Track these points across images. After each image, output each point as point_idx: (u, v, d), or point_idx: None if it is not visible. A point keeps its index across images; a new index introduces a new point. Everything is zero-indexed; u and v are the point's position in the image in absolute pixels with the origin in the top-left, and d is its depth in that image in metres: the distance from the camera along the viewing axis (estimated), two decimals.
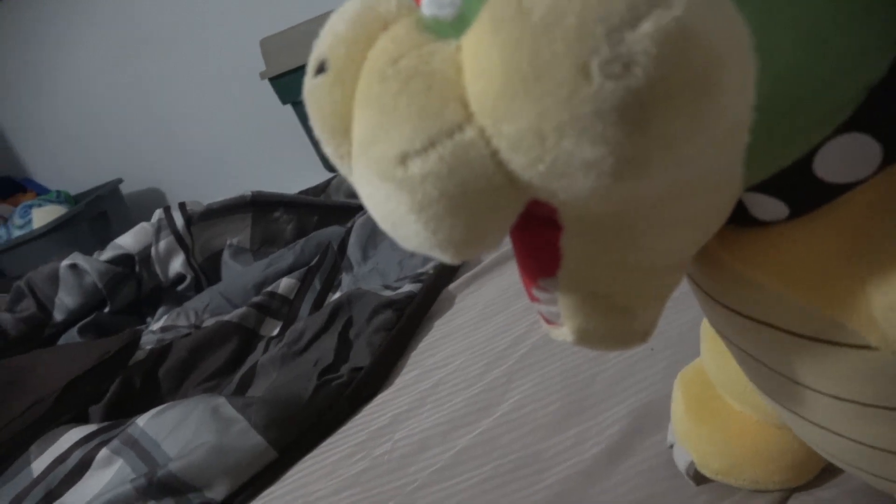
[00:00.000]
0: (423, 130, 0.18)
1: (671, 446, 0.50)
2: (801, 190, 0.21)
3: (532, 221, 0.21)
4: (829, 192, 0.20)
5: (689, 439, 0.45)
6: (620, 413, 0.57)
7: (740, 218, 0.23)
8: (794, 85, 0.18)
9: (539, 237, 0.22)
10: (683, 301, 0.65)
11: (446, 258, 0.21)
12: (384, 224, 0.22)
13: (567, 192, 0.17)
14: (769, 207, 0.22)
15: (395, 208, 0.20)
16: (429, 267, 0.97)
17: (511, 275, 0.92)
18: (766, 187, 0.21)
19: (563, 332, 0.25)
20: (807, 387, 0.25)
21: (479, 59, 0.17)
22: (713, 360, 0.42)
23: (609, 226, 0.20)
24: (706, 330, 0.44)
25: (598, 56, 0.14)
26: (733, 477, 0.44)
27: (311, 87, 0.22)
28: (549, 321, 0.26)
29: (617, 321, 0.24)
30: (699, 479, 0.46)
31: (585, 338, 0.25)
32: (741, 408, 0.42)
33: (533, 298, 0.26)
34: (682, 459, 0.47)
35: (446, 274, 0.96)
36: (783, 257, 0.22)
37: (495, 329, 0.79)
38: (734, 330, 0.27)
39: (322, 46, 0.22)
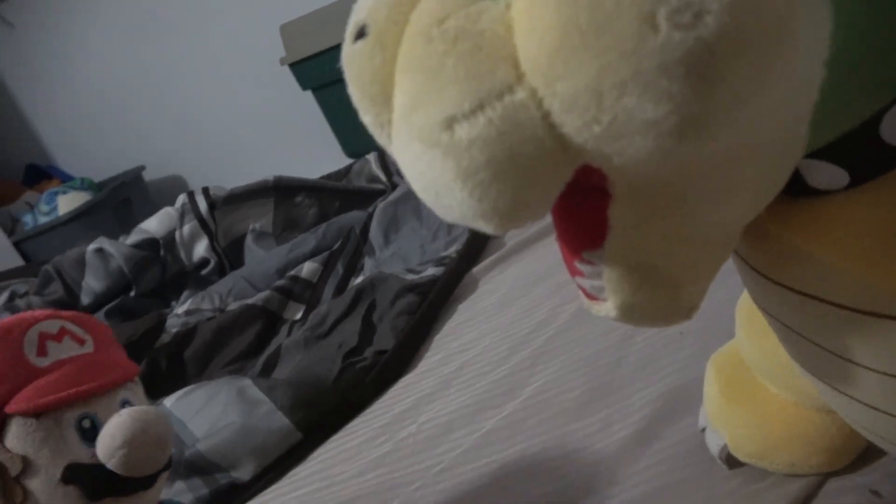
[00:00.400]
0: (471, 93, 0.17)
1: (703, 430, 0.49)
2: (865, 156, 0.20)
3: (579, 190, 0.20)
4: (895, 159, 0.19)
5: (723, 422, 0.45)
6: (648, 397, 0.56)
7: (794, 188, 0.22)
8: (866, 41, 0.17)
9: (585, 207, 0.21)
10: (714, 283, 0.64)
11: (490, 228, 0.21)
12: (426, 194, 0.21)
13: (622, 155, 0.17)
14: (828, 175, 0.21)
15: (438, 176, 0.19)
16: (451, 251, 0.97)
17: (535, 258, 0.91)
18: (826, 153, 0.20)
19: (606, 308, 0.25)
20: (858, 364, 0.25)
21: (532, 15, 0.16)
22: (750, 342, 0.41)
23: (662, 193, 0.19)
24: (742, 311, 0.43)
25: (665, 5, 0.13)
26: (768, 460, 0.43)
27: (351, 54, 0.22)
28: (590, 296, 0.26)
29: (663, 296, 0.23)
30: (732, 462, 0.45)
31: (629, 313, 0.24)
32: (778, 390, 0.41)
33: (574, 272, 0.25)
34: (714, 443, 0.46)
35: (469, 257, 0.95)
36: (840, 229, 0.21)
37: (519, 312, 0.78)
38: (783, 306, 0.26)
39: (361, 11, 0.21)
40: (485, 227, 0.21)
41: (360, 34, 0.21)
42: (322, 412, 0.71)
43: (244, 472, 0.67)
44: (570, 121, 0.16)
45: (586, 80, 0.15)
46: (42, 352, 0.39)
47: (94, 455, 0.37)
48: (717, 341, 0.57)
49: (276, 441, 0.69)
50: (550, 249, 0.91)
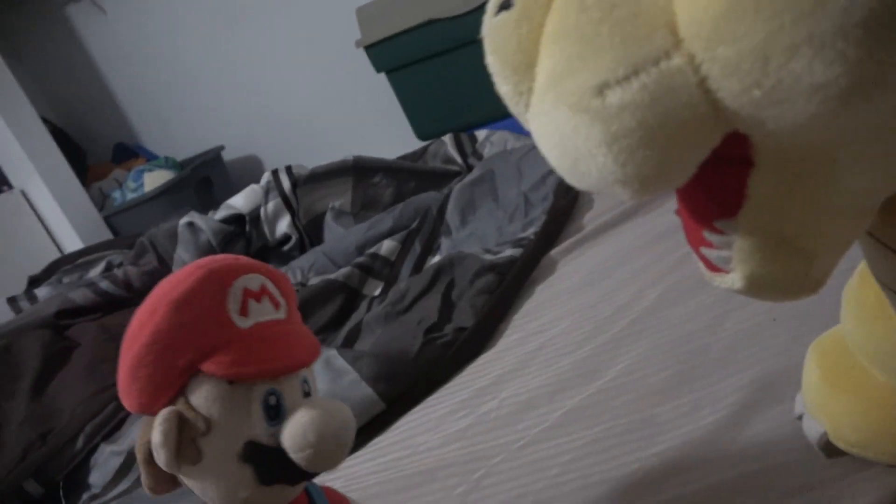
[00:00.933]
0: (626, 58, 0.18)
1: (799, 417, 0.48)
2: None
3: (718, 158, 0.20)
4: None
5: (823, 410, 0.44)
6: (739, 382, 0.55)
7: None
8: None
9: (724, 175, 0.21)
10: None
11: (628, 194, 0.21)
12: (562, 160, 0.22)
13: (779, 120, 0.17)
14: None
15: (582, 142, 0.20)
16: (529, 233, 0.97)
17: (614, 242, 0.90)
18: None
19: (730, 279, 0.25)
20: None
21: None
22: (859, 327, 0.40)
23: (809, 160, 0.19)
24: (850, 295, 0.41)
25: None
26: (871, 450, 0.42)
27: (494, 25, 0.22)
28: (713, 268, 0.26)
29: (794, 267, 0.23)
30: (831, 451, 0.44)
31: (756, 284, 0.24)
32: (886, 377, 0.40)
33: (698, 242, 0.25)
34: (812, 431, 0.45)
35: (548, 239, 0.95)
36: None
37: (600, 295, 0.78)
38: None
39: None
40: (622, 193, 0.21)
41: (504, 6, 0.22)
42: (404, 384, 0.73)
43: None
44: (729, 85, 0.17)
45: (753, 43, 0.16)
46: (244, 311, 0.36)
47: (273, 436, 0.35)
48: (812, 328, 0.56)
49: (360, 410, 0.71)
50: (630, 234, 0.90)
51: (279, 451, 0.35)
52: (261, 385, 0.36)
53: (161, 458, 0.35)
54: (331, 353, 0.76)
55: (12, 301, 1.21)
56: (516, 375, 0.70)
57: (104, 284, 1.15)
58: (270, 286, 0.39)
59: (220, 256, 0.39)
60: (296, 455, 0.35)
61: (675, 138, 0.18)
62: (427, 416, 0.70)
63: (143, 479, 0.38)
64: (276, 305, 0.39)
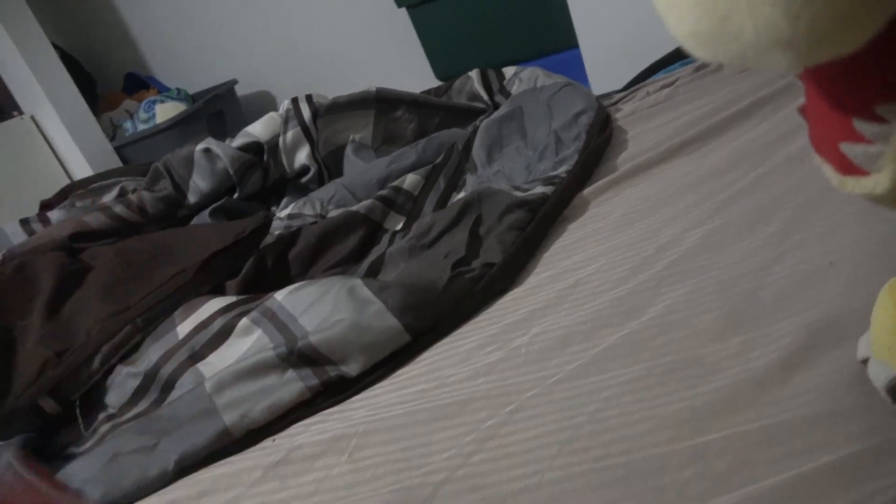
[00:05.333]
0: None
1: (863, 361, 0.45)
2: None
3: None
4: None
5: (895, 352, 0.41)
6: (792, 326, 0.52)
7: None
8: None
9: None
10: (873, 217, 0.59)
11: (787, 60, 0.17)
12: (702, 21, 0.18)
13: None
14: None
15: None
16: (561, 171, 0.93)
17: (651, 184, 0.86)
18: None
19: (872, 181, 0.21)
20: None
21: None
22: None
23: None
24: None
25: None
26: None
27: None
28: (850, 169, 0.22)
29: None
30: None
31: None
32: None
33: (840, 137, 0.22)
34: (880, 375, 0.43)
35: (581, 178, 0.91)
36: None
37: (637, 236, 0.75)
38: None
39: None
40: (780, 59, 0.18)
41: None
42: (431, 316, 0.71)
43: (353, 368, 0.68)
44: None
45: None
46: None
47: None
48: (871, 274, 0.53)
49: (385, 340, 0.69)
50: (669, 175, 0.86)
51: None
52: None
53: None
54: (355, 283, 0.74)
55: (25, 223, 1.18)
56: (549, 312, 0.68)
57: (118, 209, 1.12)
58: None
59: None
60: None
61: None
62: (455, 350, 0.68)
63: None
64: None
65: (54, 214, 1.20)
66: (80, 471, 0.65)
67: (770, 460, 0.43)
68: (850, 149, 0.21)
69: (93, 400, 0.76)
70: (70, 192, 1.37)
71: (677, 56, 1.31)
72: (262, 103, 2.58)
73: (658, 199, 0.80)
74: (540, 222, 0.82)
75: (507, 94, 1.26)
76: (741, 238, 0.66)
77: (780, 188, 0.72)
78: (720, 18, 0.17)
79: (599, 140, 1.00)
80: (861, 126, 0.20)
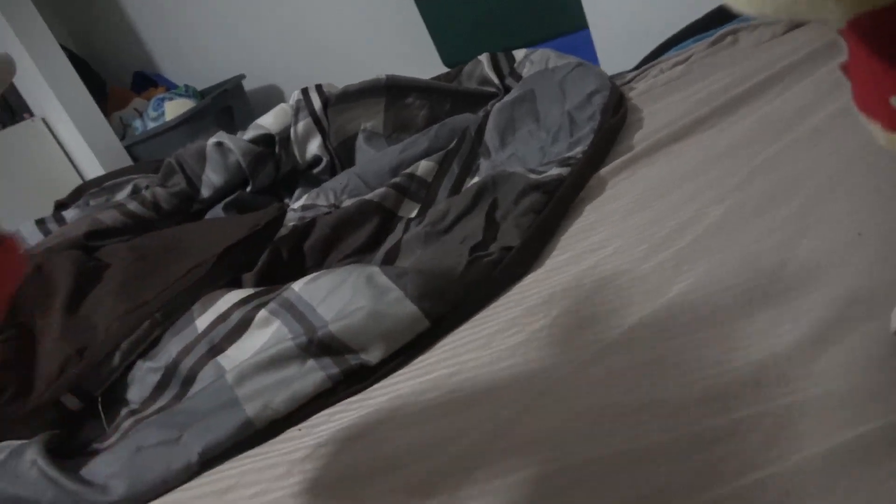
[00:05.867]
0: None
1: None
2: None
3: None
4: None
5: None
6: (822, 299, 0.51)
7: None
8: None
9: None
10: None
11: (838, 7, 0.16)
12: None
13: None
14: None
15: None
16: (576, 151, 0.92)
17: (667, 162, 0.85)
18: None
19: None
20: None
21: None
22: None
23: None
24: None
25: None
26: None
27: None
28: None
29: None
30: None
31: None
32: None
33: (890, 92, 0.21)
34: None
35: (596, 159, 0.90)
36: None
37: (656, 214, 0.73)
38: None
39: None
40: (832, 6, 0.16)
41: None
42: (450, 302, 0.70)
43: (373, 355, 0.68)
44: None
45: None
46: None
47: None
48: None
49: (405, 327, 0.68)
50: (686, 153, 0.85)
51: None
52: None
53: None
54: (373, 270, 0.73)
55: (41, 223, 1.19)
56: (569, 294, 0.67)
57: (133, 206, 1.13)
58: None
59: None
60: None
61: None
62: (476, 335, 0.67)
63: None
64: None
65: (69, 214, 1.21)
66: (105, 466, 0.65)
67: (801, 435, 0.42)
68: None
69: (115, 395, 0.77)
70: (84, 191, 1.38)
71: (690, 32, 1.28)
72: (270, 97, 2.57)
73: (676, 177, 0.79)
74: (557, 204, 0.81)
75: (518, 78, 1.25)
76: (764, 212, 0.65)
77: (803, 161, 0.70)
78: None
79: (614, 120, 0.99)
80: None
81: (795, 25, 1.07)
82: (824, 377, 0.45)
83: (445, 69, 1.62)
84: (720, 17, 1.24)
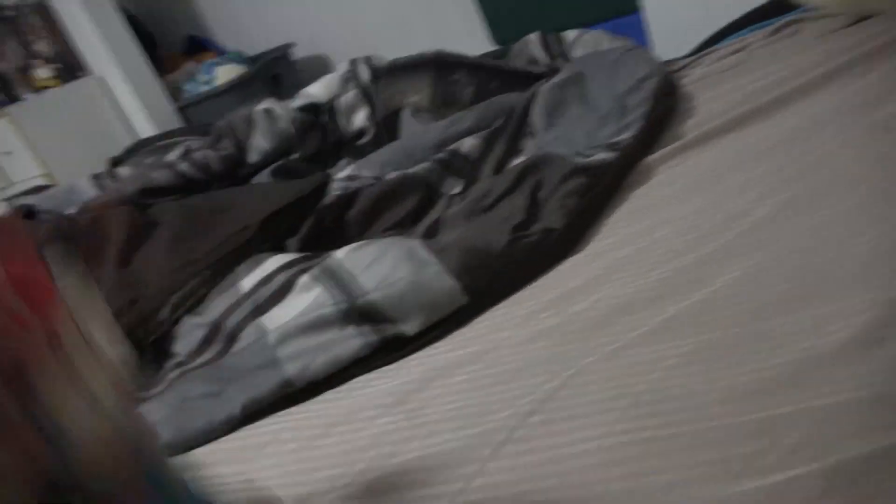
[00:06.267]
0: None
1: None
2: None
3: None
4: None
5: None
6: (875, 300, 0.50)
7: None
8: None
9: None
10: None
11: None
12: None
13: None
14: None
15: None
16: (624, 137, 0.91)
17: (718, 151, 0.84)
18: None
19: None
20: None
21: None
22: None
23: None
24: None
25: None
26: None
27: None
28: None
29: None
30: None
31: None
32: None
33: None
34: None
35: (645, 144, 0.89)
36: None
37: (705, 204, 0.72)
38: None
39: None
40: None
41: None
42: (489, 279, 0.71)
43: (411, 326, 0.69)
44: None
45: None
46: None
47: None
48: None
49: (444, 300, 0.70)
50: (739, 143, 0.83)
51: None
52: None
53: None
54: (414, 244, 0.74)
55: (97, 178, 1.23)
56: (610, 279, 0.67)
57: (184, 166, 1.15)
58: None
59: None
60: None
61: None
62: (513, 313, 0.68)
63: None
64: None
65: (123, 171, 1.25)
66: (151, 413, 0.68)
67: (842, 436, 0.42)
68: None
69: (163, 348, 0.80)
70: (138, 149, 1.42)
71: (750, 20, 1.25)
72: (318, 67, 2.58)
73: (727, 167, 0.78)
74: (602, 189, 0.80)
75: (567, 59, 1.23)
76: (820, 208, 0.63)
77: (862, 158, 0.68)
78: None
79: (665, 106, 0.97)
80: None
81: (861, 18, 1.03)
82: (870, 379, 0.45)
83: (495, 47, 1.61)
84: (782, 5, 1.20)
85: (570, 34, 1.29)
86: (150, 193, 1.11)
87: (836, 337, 0.48)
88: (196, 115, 2.43)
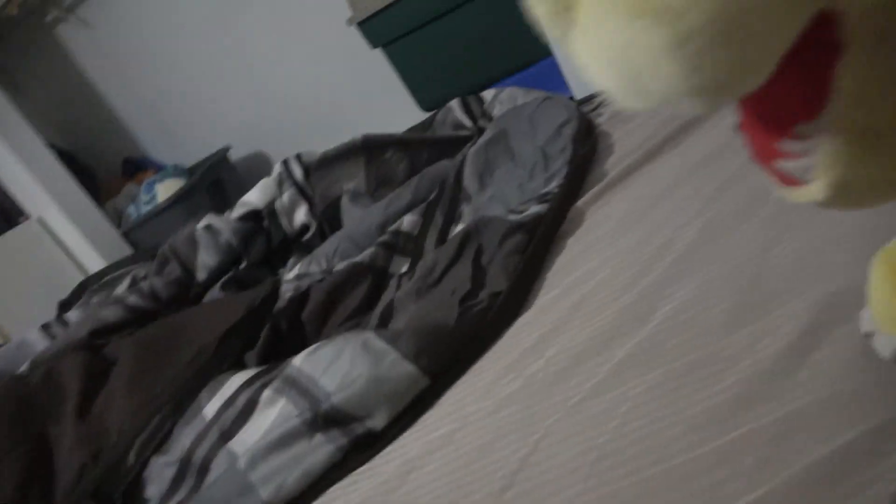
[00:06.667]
0: None
1: (867, 335, 0.45)
2: None
3: (802, 48, 0.18)
4: None
5: None
6: (799, 307, 0.52)
7: None
8: None
9: (808, 68, 0.18)
10: None
11: (699, 105, 0.18)
12: (618, 79, 0.19)
13: None
14: None
15: (643, 51, 0.17)
16: (552, 186, 0.94)
17: (641, 185, 0.87)
18: None
19: (812, 190, 0.22)
20: None
21: None
22: None
23: None
24: None
25: None
26: None
27: None
28: (789, 181, 0.23)
29: (886, 165, 0.20)
30: None
31: (843, 191, 0.21)
32: None
33: (773, 156, 0.23)
34: (886, 347, 0.43)
35: (572, 191, 0.92)
36: None
37: (637, 239, 0.75)
38: None
39: None
40: (692, 105, 0.19)
41: None
42: (446, 356, 0.71)
43: (378, 421, 0.69)
44: None
45: None
46: None
47: None
48: (874, 244, 0.53)
49: (405, 388, 0.70)
50: (657, 173, 0.87)
51: None
52: None
53: None
54: (368, 336, 0.75)
55: (46, 328, 1.21)
56: (560, 332, 0.68)
57: (132, 299, 1.15)
58: None
59: None
60: None
61: (755, 27, 0.15)
62: (474, 385, 0.68)
63: None
64: None
65: (72, 315, 1.23)
66: None
67: (794, 449, 0.43)
68: (783, 165, 0.22)
69: (134, 495, 0.78)
70: (85, 288, 1.40)
71: None
72: (257, 164, 2.62)
73: (650, 200, 0.81)
74: (539, 243, 0.83)
75: (490, 118, 1.28)
76: (737, 224, 0.66)
77: None
78: (631, 76, 0.18)
79: (585, 149, 1.01)
80: (788, 145, 0.21)
81: None
82: (807, 388, 0.46)
83: (425, 114, 1.66)
84: None
85: (489, 94, 1.34)
86: (103, 333, 1.10)
87: (773, 350, 0.50)
88: (142, 236, 2.42)
